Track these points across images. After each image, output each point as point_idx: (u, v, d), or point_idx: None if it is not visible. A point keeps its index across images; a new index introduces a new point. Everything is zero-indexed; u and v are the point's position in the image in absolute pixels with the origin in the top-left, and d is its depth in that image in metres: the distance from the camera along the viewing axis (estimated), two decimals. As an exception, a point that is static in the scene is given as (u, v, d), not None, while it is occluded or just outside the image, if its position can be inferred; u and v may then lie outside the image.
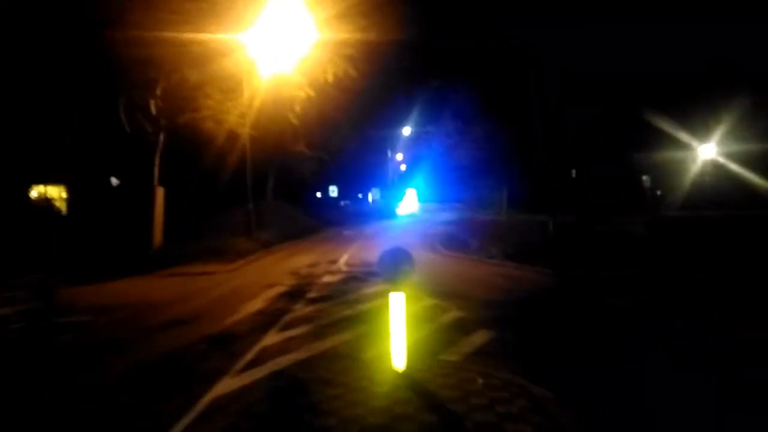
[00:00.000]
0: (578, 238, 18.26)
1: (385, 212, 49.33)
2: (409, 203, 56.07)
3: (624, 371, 6.03)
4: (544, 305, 9.98)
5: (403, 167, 57.99)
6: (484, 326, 7.98)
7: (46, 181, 22.36)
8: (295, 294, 11.39)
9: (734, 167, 27.61)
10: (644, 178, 30.70)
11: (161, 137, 19.04)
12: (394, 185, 55.70)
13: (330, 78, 21.29)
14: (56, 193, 23.18)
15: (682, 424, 4.74)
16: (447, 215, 36.20)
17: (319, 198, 52.48)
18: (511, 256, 16.14)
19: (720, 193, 27.67)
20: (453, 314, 8.91)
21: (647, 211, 22.68)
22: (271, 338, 7.77)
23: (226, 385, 5.87)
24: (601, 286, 11.48)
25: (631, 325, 8.19)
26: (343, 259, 17.68)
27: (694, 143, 29.10)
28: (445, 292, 10.76)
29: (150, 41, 16.16)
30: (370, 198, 63.07)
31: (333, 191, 55.70)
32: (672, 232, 19.45)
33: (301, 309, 9.81)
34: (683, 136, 27.90)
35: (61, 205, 22.39)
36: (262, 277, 14.45)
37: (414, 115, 41.08)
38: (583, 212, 24.78)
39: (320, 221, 38.00)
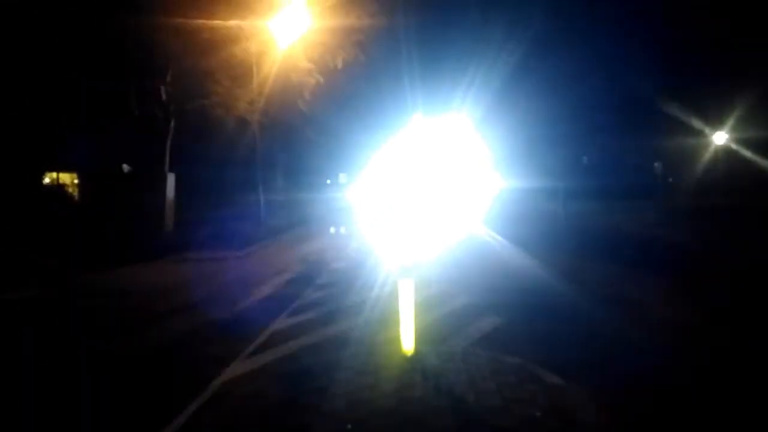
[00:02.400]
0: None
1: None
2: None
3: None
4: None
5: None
6: (492, 312, 8.01)
7: (59, 169, 22.53)
8: (304, 279, 11.45)
9: (747, 154, 27.30)
10: (656, 164, 30.37)
11: (171, 123, 19.10)
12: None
13: (339, 64, 21.23)
14: (69, 179, 23.37)
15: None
16: None
17: (328, 185, 52.44)
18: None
19: (732, 181, 27.37)
20: (461, 300, 8.94)
21: (659, 198, 22.53)
22: (281, 323, 7.84)
23: (236, 369, 5.93)
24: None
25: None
26: (352, 245, 17.73)
27: (707, 130, 28.78)
28: (451, 279, 10.81)
29: (160, 27, 16.18)
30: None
31: (342, 179, 55.61)
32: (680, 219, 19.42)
33: (310, 294, 9.87)
34: (696, 122, 27.56)
35: (74, 191, 22.59)
36: (271, 262, 14.52)
37: (426, 102, 40.69)
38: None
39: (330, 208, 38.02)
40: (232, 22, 17.82)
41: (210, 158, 24.55)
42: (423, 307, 7.64)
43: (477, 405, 4.64)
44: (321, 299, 9.41)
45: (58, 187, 21.89)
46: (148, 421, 4.75)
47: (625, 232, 17.08)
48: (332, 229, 16.15)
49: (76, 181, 22.95)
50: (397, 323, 5.84)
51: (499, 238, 17.45)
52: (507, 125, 27.92)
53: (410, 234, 17.54)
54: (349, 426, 4.33)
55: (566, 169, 25.62)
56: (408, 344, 5.70)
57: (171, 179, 19.03)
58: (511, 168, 28.92)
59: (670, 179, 29.29)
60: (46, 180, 22.51)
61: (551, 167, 25.51)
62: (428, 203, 25.58)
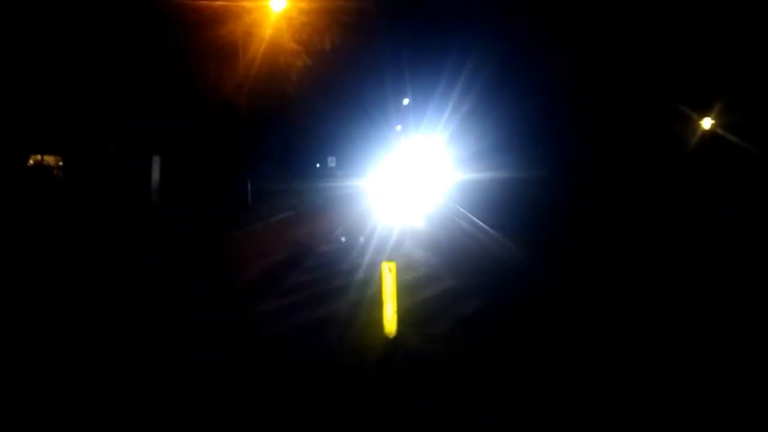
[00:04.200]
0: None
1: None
2: None
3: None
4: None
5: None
6: (476, 295, 8.13)
7: (43, 151, 22.24)
8: (291, 263, 11.48)
9: (733, 139, 27.51)
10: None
11: (156, 105, 18.93)
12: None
13: (327, 46, 21.14)
14: (53, 161, 23.10)
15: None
16: None
17: (318, 169, 52.22)
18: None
19: (718, 166, 27.56)
20: (446, 283, 9.05)
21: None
22: (267, 305, 7.89)
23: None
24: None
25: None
26: (340, 229, 17.76)
27: (694, 115, 28.99)
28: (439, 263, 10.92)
29: (144, 6, 15.99)
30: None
31: (332, 162, 55.36)
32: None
33: (297, 277, 9.92)
34: (682, 107, 27.68)
35: (59, 173, 22.36)
36: (259, 247, 14.55)
37: (414, 86, 40.69)
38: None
39: (319, 192, 38.02)
40: (218, 3, 17.65)
41: (196, 143, 24.38)
42: (408, 290, 7.74)
43: (456, 384, 4.74)
44: (308, 282, 9.46)
45: (41, 170, 21.62)
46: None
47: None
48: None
49: (61, 163, 22.69)
50: (381, 306, 5.92)
51: (481, 224, 17.57)
52: (498, 117, 28.05)
53: (392, 219, 17.66)
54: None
55: (548, 160, 25.70)
56: (390, 326, 5.79)
57: (156, 163, 18.93)
58: (499, 160, 28.88)
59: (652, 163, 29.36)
60: (30, 162, 22.21)
61: (535, 158, 25.61)
62: (406, 193, 25.90)
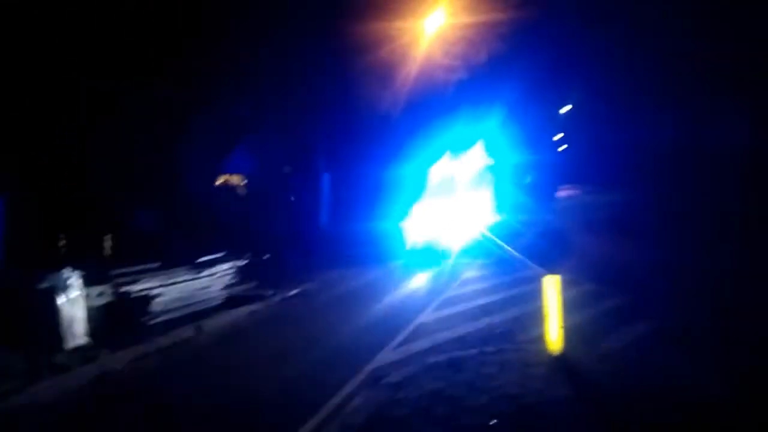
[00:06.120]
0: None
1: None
2: None
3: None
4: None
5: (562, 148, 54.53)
6: (645, 315, 7.49)
7: (230, 171, 24.90)
8: (449, 275, 11.61)
9: None
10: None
11: (322, 126, 20.35)
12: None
13: (483, 59, 21.01)
14: (237, 180, 25.81)
15: None
16: None
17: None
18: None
19: None
20: (611, 301, 8.45)
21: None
22: (427, 316, 8.09)
23: (385, 357, 6.26)
24: None
25: None
26: (500, 243, 17.45)
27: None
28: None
29: (317, 32, 17.24)
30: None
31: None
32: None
33: (455, 290, 10.01)
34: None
35: (242, 191, 24.93)
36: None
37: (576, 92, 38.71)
38: None
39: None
40: (380, 24, 18.42)
41: (357, 159, 25.60)
42: (570, 307, 7.37)
43: (623, 409, 4.47)
44: (466, 295, 9.48)
45: (228, 188, 24.26)
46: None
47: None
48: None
49: (243, 182, 25.26)
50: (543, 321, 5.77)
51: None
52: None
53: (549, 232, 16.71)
54: (495, 421, 4.41)
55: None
56: (554, 343, 5.60)
57: (326, 179, 20.36)
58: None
59: None
60: (220, 181, 24.98)
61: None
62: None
